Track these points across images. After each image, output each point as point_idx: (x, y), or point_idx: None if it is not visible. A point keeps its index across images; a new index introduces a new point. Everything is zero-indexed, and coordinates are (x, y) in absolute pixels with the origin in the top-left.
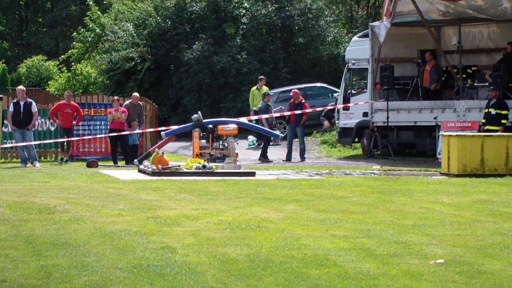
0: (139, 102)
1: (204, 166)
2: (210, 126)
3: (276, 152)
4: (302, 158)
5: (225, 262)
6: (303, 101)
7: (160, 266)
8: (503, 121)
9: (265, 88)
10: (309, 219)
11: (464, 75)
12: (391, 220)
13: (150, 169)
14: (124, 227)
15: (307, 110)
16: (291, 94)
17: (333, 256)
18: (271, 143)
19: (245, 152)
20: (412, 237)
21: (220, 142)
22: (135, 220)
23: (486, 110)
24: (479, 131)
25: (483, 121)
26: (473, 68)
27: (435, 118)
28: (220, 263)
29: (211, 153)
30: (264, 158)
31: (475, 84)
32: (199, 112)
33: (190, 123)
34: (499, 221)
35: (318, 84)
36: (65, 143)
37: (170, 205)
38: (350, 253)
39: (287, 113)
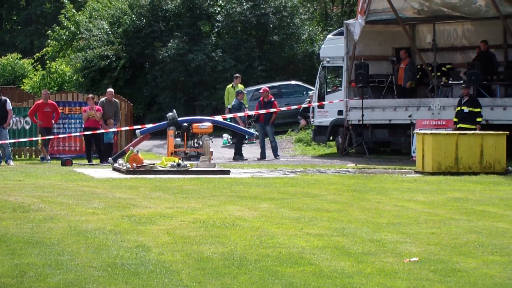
0: (114, 99)
1: (178, 165)
2: (185, 124)
3: (251, 151)
4: (276, 155)
5: (200, 261)
6: (273, 99)
7: (134, 264)
8: (478, 119)
9: (240, 86)
10: (283, 218)
11: (438, 73)
12: (366, 218)
13: (124, 168)
14: (99, 225)
15: (273, 110)
16: (260, 91)
17: (308, 254)
18: (245, 141)
19: (220, 150)
20: (386, 235)
21: (195, 141)
22: (110, 218)
23: (459, 108)
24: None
25: (456, 119)
26: (447, 66)
27: (410, 116)
28: (194, 262)
29: (186, 152)
30: (238, 156)
31: (450, 82)
32: (174, 110)
33: (165, 122)
34: (474, 219)
35: (293, 82)
36: (47, 142)
37: (144, 204)
38: (324, 252)
39: (258, 112)
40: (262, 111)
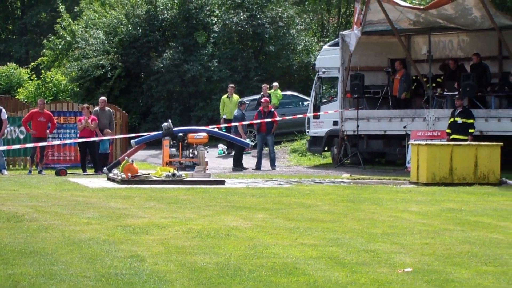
0: (108, 108)
1: (173, 175)
2: (180, 134)
3: (246, 161)
4: (273, 166)
5: (194, 271)
6: (273, 109)
7: (128, 274)
8: (470, 130)
9: (235, 97)
10: (278, 228)
11: (433, 84)
12: (360, 229)
13: (119, 177)
14: (93, 235)
15: (277, 119)
16: (262, 101)
17: (302, 264)
18: (248, 152)
19: (215, 160)
20: (381, 246)
21: (190, 151)
22: (104, 228)
23: (452, 119)
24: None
25: (449, 130)
26: (442, 76)
27: (404, 127)
28: (188, 272)
29: (181, 162)
30: (239, 167)
31: (445, 93)
32: (169, 120)
33: (160, 131)
34: (468, 230)
35: (289, 93)
36: (39, 153)
37: (139, 214)
38: (319, 262)
39: (256, 121)
40: (268, 120)
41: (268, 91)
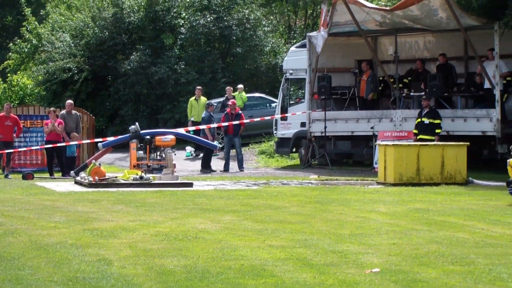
0: (75, 111)
1: (141, 177)
2: (148, 137)
3: (214, 163)
4: (241, 168)
5: (162, 274)
6: (240, 111)
7: (96, 278)
8: (437, 130)
9: (203, 99)
10: (246, 230)
11: (400, 85)
12: (328, 230)
13: (86, 181)
14: (60, 239)
15: (245, 121)
16: (229, 103)
17: (270, 266)
18: (218, 154)
19: (182, 163)
20: (348, 247)
21: (158, 153)
22: (71, 232)
23: (419, 120)
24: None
25: (415, 131)
26: (409, 78)
27: (372, 127)
28: (156, 275)
29: (149, 164)
30: (207, 169)
31: (411, 93)
32: (137, 123)
33: (128, 134)
34: (435, 230)
35: (257, 94)
36: (5, 157)
37: (106, 217)
38: (287, 263)
39: (224, 124)
40: (235, 122)
41: (233, 93)
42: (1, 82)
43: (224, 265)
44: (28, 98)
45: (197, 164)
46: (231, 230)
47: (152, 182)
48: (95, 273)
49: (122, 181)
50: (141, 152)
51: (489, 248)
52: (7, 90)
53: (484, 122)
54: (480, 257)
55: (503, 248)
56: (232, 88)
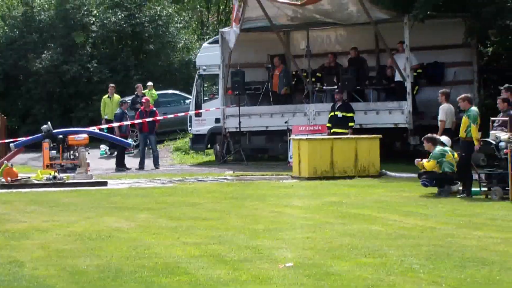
0: None
1: (54, 177)
2: (60, 136)
3: (129, 161)
4: (156, 165)
5: (74, 274)
6: (154, 109)
7: (7, 281)
8: (350, 123)
9: (116, 97)
10: (161, 227)
11: (313, 79)
12: (243, 225)
13: None
14: None
15: (159, 118)
16: (142, 101)
17: (184, 263)
18: (131, 151)
19: (97, 161)
20: (263, 242)
21: (71, 152)
22: None
23: (332, 113)
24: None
25: (329, 125)
26: (322, 72)
27: (286, 122)
28: (69, 275)
29: (62, 164)
30: (121, 167)
31: (324, 87)
32: (49, 122)
33: (40, 134)
34: (348, 223)
35: (170, 91)
36: None
37: (19, 218)
38: (201, 260)
39: (138, 121)
40: (149, 119)
41: (143, 91)
42: None
43: (137, 263)
44: None
45: (112, 163)
46: (145, 228)
47: (66, 181)
48: (7, 275)
49: (35, 182)
50: (54, 151)
51: (402, 240)
52: None
53: (396, 115)
54: (392, 249)
55: (415, 240)
56: (142, 85)
